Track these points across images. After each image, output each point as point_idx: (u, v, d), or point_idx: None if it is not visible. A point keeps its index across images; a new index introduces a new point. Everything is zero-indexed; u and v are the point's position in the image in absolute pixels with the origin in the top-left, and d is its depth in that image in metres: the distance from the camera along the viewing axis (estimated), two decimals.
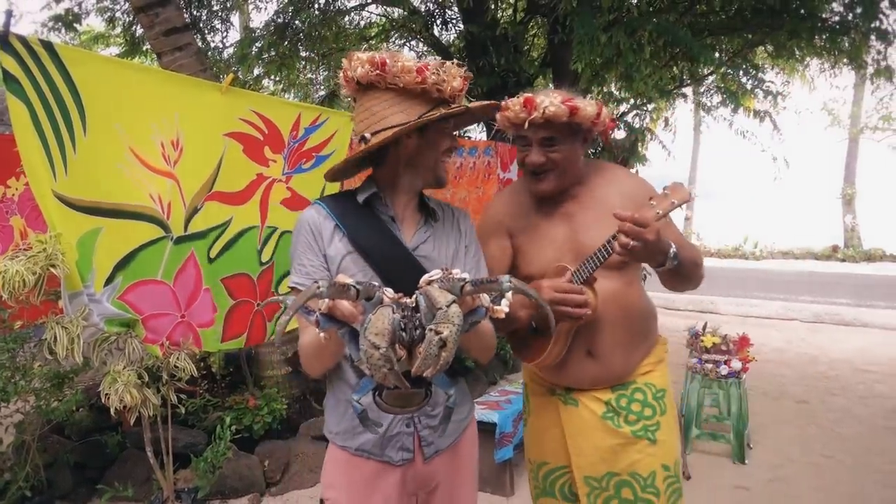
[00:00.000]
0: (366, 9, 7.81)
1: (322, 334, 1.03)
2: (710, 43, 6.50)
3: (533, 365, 1.74)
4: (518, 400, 3.50)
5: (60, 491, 3.00)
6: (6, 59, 1.94)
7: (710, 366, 3.84)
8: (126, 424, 2.93)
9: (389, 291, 1.04)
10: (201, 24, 7.54)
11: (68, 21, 7.26)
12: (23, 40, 1.97)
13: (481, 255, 1.51)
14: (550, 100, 1.54)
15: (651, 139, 6.91)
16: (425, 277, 1.05)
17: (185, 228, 2.46)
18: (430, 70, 1.29)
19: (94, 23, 9.06)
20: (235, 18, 9.92)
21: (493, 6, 5.73)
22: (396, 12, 7.60)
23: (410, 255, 1.37)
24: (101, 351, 2.48)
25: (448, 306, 0.95)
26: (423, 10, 7.18)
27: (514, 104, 1.59)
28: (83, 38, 8.75)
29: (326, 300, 1.00)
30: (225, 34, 7.88)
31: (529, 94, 1.57)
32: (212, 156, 2.50)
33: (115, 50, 8.76)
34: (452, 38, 7.44)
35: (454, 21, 7.19)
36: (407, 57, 1.33)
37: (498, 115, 1.66)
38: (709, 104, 7.93)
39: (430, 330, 0.94)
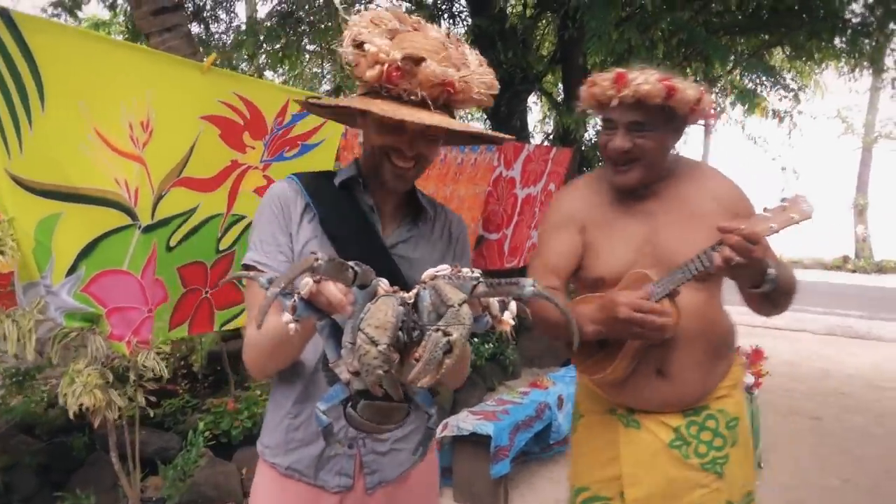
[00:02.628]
0: (374, 1, 7.65)
1: (293, 325, 0.83)
2: (726, 43, 6.28)
3: (593, 380, 1.54)
4: (516, 411, 3.31)
5: (21, 494, 2.82)
6: None
7: None
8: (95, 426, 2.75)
9: (385, 283, 0.88)
10: (205, 14, 7.39)
11: (69, 7, 7.13)
12: None
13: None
14: (645, 77, 1.34)
15: None
16: (430, 272, 0.89)
17: (153, 216, 2.27)
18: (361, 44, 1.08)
19: (96, 10, 8.93)
20: (241, 9, 9.80)
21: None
22: (404, 6, 7.44)
23: (386, 252, 1.17)
24: (60, 347, 2.30)
25: (460, 305, 0.80)
26: (430, 2, 6.99)
27: (603, 79, 1.40)
28: (85, 25, 8.59)
29: (309, 282, 0.82)
30: (229, 24, 7.73)
31: (623, 70, 1.37)
32: (184, 139, 2.31)
33: (117, 38, 8.62)
34: (461, 31, 7.25)
35: (462, 14, 6.99)
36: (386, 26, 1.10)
37: (583, 92, 1.47)
38: (721, 106, 7.70)
39: (438, 330, 0.78)
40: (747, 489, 1.56)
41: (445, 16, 7.04)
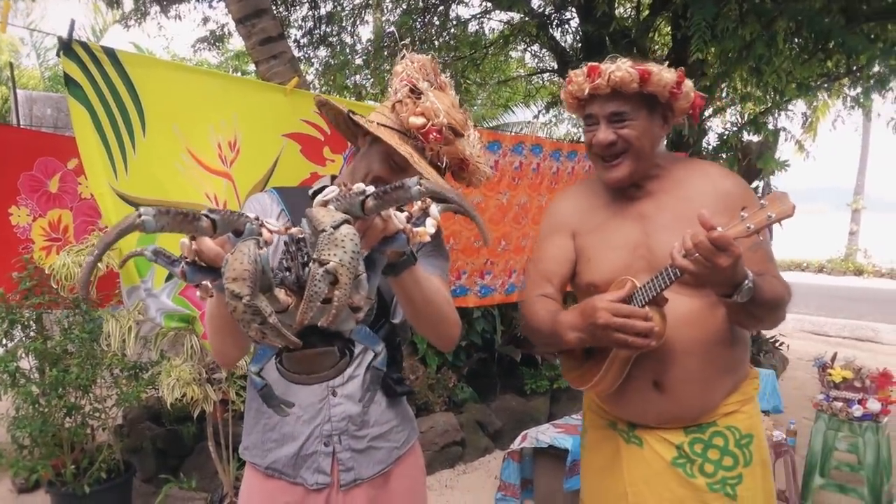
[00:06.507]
0: (487, 15, 7.75)
1: (199, 292, 0.80)
2: (868, 32, 5.64)
3: (586, 390, 1.50)
4: None
5: (142, 474, 3.18)
6: (69, 64, 2.05)
7: (839, 404, 3.26)
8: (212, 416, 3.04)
9: (273, 223, 0.79)
10: (331, 40, 7.89)
11: (212, 42, 7.98)
12: (85, 46, 2.08)
13: (445, 263, 1.29)
14: (617, 65, 1.32)
15: (786, 140, 6.11)
16: (319, 198, 0.78)
17: None
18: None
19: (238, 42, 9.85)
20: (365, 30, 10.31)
21: (603, 2, 5.39)
22: (516, 17, 7.45)
23: None
24: (167, 344, 2.58)
25: (336, 227, 0.69)
26: (539, 11, 6.97)
27: (577, 74, 1.38)
28: (228, 56, 9.53)
29: (185, 242, 0.75)
30: (352, 47, 8.18)
31: (595, 63, 1.36)
32: (268, 155, 2.52)
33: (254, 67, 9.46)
34: (570, 39, 7.14)
35: (570, 22, 6.90)
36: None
37: (562, 93, 1.46)
38: (869, 101, 6.89)
39: (314, 261, 0.68)
40: None
41: (555, 23, 6.98)
